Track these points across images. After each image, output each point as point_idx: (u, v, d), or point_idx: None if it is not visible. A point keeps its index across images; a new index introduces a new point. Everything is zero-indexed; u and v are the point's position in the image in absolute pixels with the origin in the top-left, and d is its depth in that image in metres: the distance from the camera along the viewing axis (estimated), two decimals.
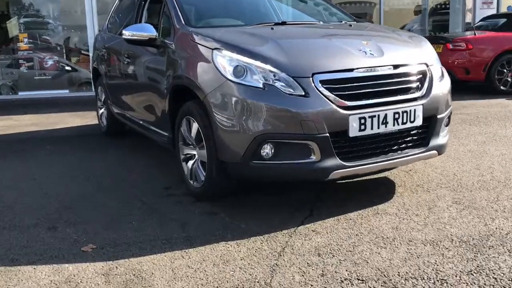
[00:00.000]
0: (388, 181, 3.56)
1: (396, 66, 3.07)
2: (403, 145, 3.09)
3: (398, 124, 2.98)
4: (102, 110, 5.62)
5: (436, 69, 3.32)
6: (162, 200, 3.37)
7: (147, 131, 4.19)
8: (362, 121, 2.85)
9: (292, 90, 2.81)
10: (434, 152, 3.20)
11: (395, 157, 3.02)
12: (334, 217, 2.92)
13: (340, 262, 2.37)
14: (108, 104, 5.28)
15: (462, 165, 3.89)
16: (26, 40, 9.38)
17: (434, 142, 3.19)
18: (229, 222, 2.93)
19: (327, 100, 2.79)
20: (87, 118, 6.69)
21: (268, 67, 2.87)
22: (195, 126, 3.23)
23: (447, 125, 3.38)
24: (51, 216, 3.14)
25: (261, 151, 2.83)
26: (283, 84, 2.83)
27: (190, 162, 3.39)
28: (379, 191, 3.36)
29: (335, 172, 2.82)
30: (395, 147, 3.06)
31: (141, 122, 4.33)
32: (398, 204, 3.09)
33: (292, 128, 2.78)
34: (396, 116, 2.96)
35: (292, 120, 2.78)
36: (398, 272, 2.25)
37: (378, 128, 2.91)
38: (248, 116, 2.84)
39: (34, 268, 2.44)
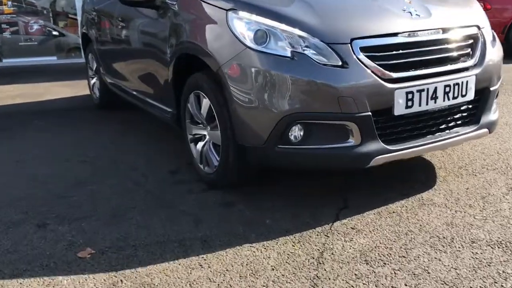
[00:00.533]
0: (425, 162, 3.12)
1: (445, 30, 2.59)
2: (452, 124, 2.64)
3: (448, 99, 2.52)
4: (94, 80, 5.08)
5: (488, 32, 2.86)
6: (169, 187, 2.91)
7: (147, 106, 3.69)
8: (410, 96, 2.39)
9: (326, 60, 2.32)
10: (485, 130, 2.76)
11: (443, 137, 2.57)
12: (374, 210, 2.48)
13: (395, 273, 1.95)
14: (100, 73, 4.74)
15: (504, 142, 3.46)
16: (9, 3, 8.68)
17: (486, 119, 2.74)
18: (250, 216, 2.50)
19: (370, 72, 2.31)
20: (77, 88, 6.13)
21: (297, 31, 2.36)
22: (205, 102, 2.75)
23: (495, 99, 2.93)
24: (40, 209, 2.69)
25: (289, 133, 2.37)
26: (314, 52, 2.33)
27: (200, 144, 2.92)
28: (418, 175, 2.92)
29: (377, 157, 2.37)
30: (443, 126, 2.61)
31: (140, 95, 3.83)
32: (445, 192, 2.66)
33: (328, 106, 2.31)
34: (447, 89, 2.50)
35: (328, 96, 2.30)
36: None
37: (427, 104, 2.45)
38: (272, 92, 2.35)
39: (21, 283, 2.00)
